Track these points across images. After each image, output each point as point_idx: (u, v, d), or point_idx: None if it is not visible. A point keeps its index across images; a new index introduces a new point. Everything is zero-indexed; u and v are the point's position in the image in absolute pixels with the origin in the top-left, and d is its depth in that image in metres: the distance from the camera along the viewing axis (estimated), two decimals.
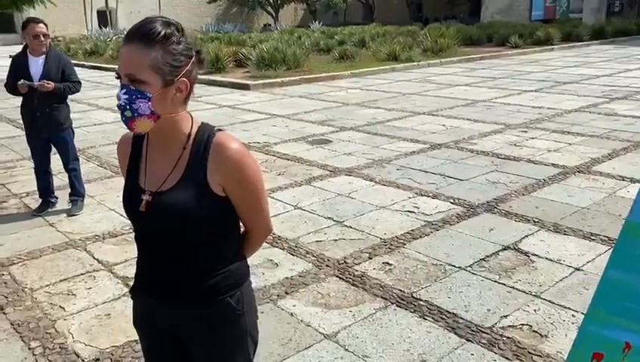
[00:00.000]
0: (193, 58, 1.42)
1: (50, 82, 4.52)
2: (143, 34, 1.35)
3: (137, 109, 1.36)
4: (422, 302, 3.21)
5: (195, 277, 1.50)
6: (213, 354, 1.58)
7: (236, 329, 1.57)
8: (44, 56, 4.62)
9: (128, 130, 1.46)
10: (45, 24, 4.66)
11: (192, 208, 1.43)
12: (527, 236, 4.10)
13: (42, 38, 4.56)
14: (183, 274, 1.50)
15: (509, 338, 2.84)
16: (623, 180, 5.33)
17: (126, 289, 3.45)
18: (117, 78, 1.39)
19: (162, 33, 1.36)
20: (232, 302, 1.54)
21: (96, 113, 10.06)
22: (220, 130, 1.50)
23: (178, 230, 1.46)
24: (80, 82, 4.85)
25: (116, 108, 1.41)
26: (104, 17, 36.22)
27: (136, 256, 1.62)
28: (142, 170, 1.51)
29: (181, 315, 1.55)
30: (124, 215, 1.57)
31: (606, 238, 4.00)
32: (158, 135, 1.46)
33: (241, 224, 1.60)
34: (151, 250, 1.54)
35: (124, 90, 1.36)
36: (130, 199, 1.51)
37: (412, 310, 3.14)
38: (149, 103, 1.36)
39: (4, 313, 3.24)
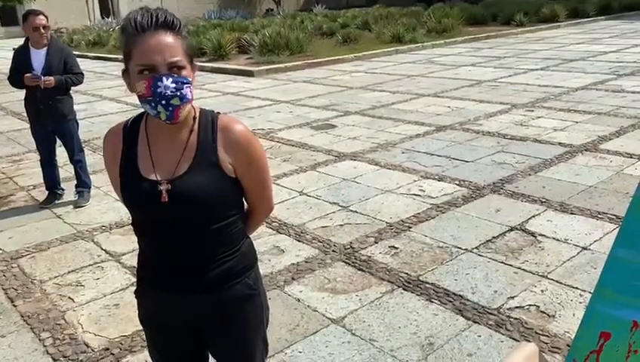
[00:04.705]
0: None
1: (49, 78, 4.52)
2: (170, 23, 1.37)
3: (185, 95, 1.37)
4: (428, 285, 3.21)
5: (213, 262, 1.50)
6: (236, 337, 1.59)
7: (255, 309, 1.61)
8: (46, 49, 4.61)
9: (118, 123, 1.50)
10: (45, 15, 4.64)
11: (212, 189, 1.43)
12: (533, 216, 4.08)
13: (42, 30, 4.55)
14: (201, 260, 1.49)
15: (516, 319, 2.83)
16: (631, 157, 5.27)
17: (134, 279, 3.46)
18: (143, 71, 1.34)
19: (180, 22, 1.40)
20: (250, 282, 1.57)
21: (100, 104, 10.07)
22: (219, 113, 1.52)
23: (201, 213, 1.44)
24: (82, 74, 4.85)
25: (139, 99, 1.38)
26: (106, 7, 36.13)
27: (140, 253, 1.58)
28: (144, 161, 1.46)
29: (203, 302, 1.53)
30: None
31: (613, 216, 3.97)
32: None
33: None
34: (167, 241, 1.48)
35: (171, 79, 1.34)
36: (142, 192, 1.44)
37: (418, 293, 3.14)
38: (191, 88, 1.39)
39: (14, 305, 3.28)
